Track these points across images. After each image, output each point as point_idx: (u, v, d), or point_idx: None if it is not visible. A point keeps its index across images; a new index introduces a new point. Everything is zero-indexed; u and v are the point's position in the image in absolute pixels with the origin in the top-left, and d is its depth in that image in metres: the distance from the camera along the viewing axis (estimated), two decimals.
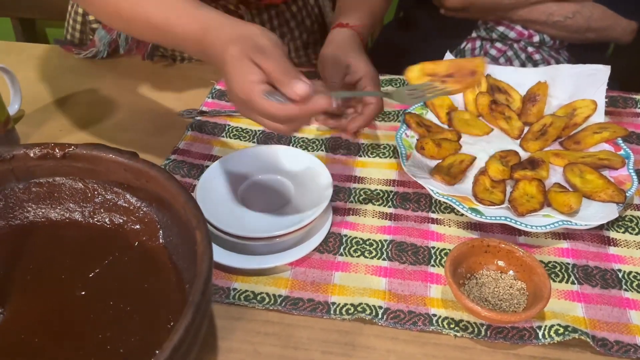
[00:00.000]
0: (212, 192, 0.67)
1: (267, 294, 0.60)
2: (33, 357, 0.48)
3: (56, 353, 0.48)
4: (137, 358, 0.48)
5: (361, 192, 0.72)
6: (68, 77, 0.95)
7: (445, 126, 0.81)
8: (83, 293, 0.53)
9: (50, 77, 0.95)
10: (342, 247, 0.65)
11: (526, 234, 0.67)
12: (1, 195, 0.58)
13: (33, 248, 0.57)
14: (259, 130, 0.83)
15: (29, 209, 0.59)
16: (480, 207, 0.67)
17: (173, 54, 0.99)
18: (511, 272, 0.60)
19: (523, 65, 1.05)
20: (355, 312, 0.58)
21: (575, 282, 0.61)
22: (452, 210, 0.70)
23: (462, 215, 0.67)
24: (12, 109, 0.82)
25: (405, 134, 0.77)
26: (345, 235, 0.66)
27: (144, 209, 0.59)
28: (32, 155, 0.57)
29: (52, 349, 0.49)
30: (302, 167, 0.70)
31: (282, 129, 0.56)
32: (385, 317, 0.57)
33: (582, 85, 0.82)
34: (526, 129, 0.80)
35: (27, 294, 0.53)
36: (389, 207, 0.70)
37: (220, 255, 0.62)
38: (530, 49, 1.05)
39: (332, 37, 0.80)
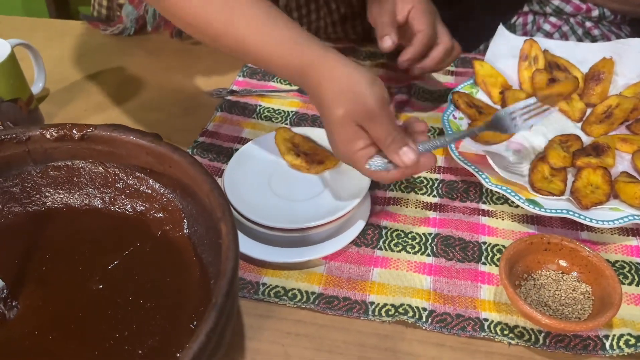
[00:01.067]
0: (240, 178, 0.62)
1: (299, 291, 0.55)
2: (46, 355, 0.44)
3: (71, 352, 0.45)
4: None
5: (402, 180, 0.66)
6: (95, 54, 0.91)
7: (498, 107, 0.73)
8: (101, 287, 0.49)
9: (76, 54, 0.91)
10: (381, 241, 0.59)
11: (590, 229, 0.60)
12: (18, 179, 0.54)
13: (50, 236, 0.53)
14: (292, 111, 0.77)
15: (46, 194, 0.55)
16: (538, 198, 0.59)
17: None
18: (574, 273, 0.53)
19: (580, 41, 0.96)
20: (396, 313, 0.52)
21: None
22: (505, 201, 0.63)
23: (518, 207, 0.60)
24: (36, 87, 0.79)
25: (453, 115, 0.71)
26: (385, 227, 0.60)
27: (168, 196, 0.54)
28: (48, 136, 0.53)
29: (67, 347, 0.45)
30: None
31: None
32: (430, 320, 0.51)
33: None
34: (589, 110, 0.72)
35: (43, 286, 0.49)
36: (434, 196, 0.64)
37: (249, 246, 0.57)
38: (588, 24, 0.96)
39: None
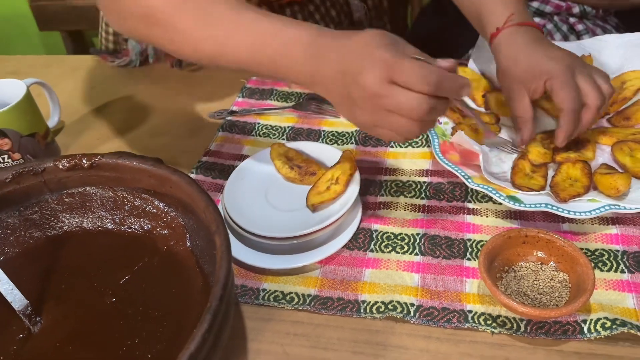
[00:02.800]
0: (239, 192, 0.67)
1: (296, 294, 0.59)
2: None
3: None
4: None
5: (392, 185, 0.70)
6: (105, 86, 0.97)
7: (482, 109, 0.77)
8: (114, 300, 0.54)
9: (88, 87, 0.98)
10: (372, 243, 0.63)
11: (571, 220, 0.63)
12: (36, 207, 0.60)
13: (68, 257, 0.59)
14: (288, 127, 0.82)
15: (62, 219, 0.61)
16: (519, 194, 0.63)
17: None
18: (552, 263, 0.57)
19: (565, 37, 0.98)
20: (386, 310, 0.56)
21: (626, 270, 0.57)
22: (489, 199, 0.66)
23: (501, 204, 0.64)
24: (52, 121, 0.85)
25: (438, 120, 0.74)
26: (376, 231, 0.64)
27: (171, 214, 0.59)
28: (61, 167, 0.59)
29: (85, 356, 0.50)
30: (330, 162, 0.68)
31: (414, 128, 0.50)
32: (417, 314, 0.55)
33: (631, 56, 0.76)
34: None
35: (62, 302, 0.54)
36: (422, 198, 0.68)
37: (250, 256, 0.62)
38: (572, 20, 0.98)
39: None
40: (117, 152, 0.59)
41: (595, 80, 0.63)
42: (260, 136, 0.81)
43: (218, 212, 0.51)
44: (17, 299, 0.52)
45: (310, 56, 0.51)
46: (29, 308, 0.52)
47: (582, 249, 0.57)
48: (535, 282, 0.55)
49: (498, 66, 0.70)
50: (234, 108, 0.87)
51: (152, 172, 0.57)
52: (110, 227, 0.61)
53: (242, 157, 0.78)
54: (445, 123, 0.74)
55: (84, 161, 0.58)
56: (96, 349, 0.50)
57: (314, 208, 0.63)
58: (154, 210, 0.60)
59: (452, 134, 0.72)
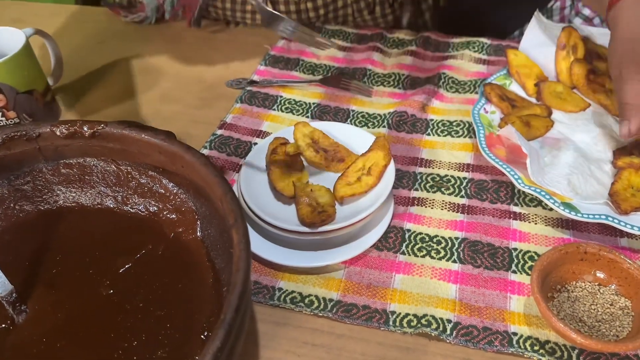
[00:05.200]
0: (258, 175, 0.59)
1: (317, 297, 0.52)
2: None
3: None
4: None
5: (428, 179, 0.63)
6: (114, 42, 0.89)
7: (533, 100, 0.69)
8: (111, 292, 0.47)
9: (96, 42, 0.90)
10: (404, 245, 0.56)
11: (630, 236, 0.56)
12: (29, 176, 0.53)
13: (61, 236, 0.52)
14: (314, 103, 0.74)
15: (58, 192, 0.54)
16: (574, 201, 0.55)
17: (226, 16, 0.90)
18: (613, 285, 0.49)
19: None
20: (419, 325, 0.49)
21: None
22: (539, 203, 0.59)
23: (552, 210, 0.56)
24: (53, 78, 0.77)
25: (485, 109, 0.66)
26: (409, 230, 0.57)
27: (181, 196, 0.52)
28: (58, 133, 0.51)
29: (75, 355, 0.43)
30: (360, 147, 0.61)
31: None
32: (454, 333, 0.48)
33: None
34: None
35: (53, 289, 0.48)
36: (462, 197, 0.60)
37: (265, 249, 0.55)
38: None
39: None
40: (123, 121, 0.51)
41: None
42: (282, 111, 0.74)
43: (237, 203, 0.44)
44: (0, 283, 0.45)
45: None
46: (14, 295, 0.46)
47: None
48: (592, 307, 0.48)
49: (614, 39, 0.59)
50: (255, 77, 0.79)
51: (162, 148, 0.50)
52: (111, 206, 0.54)
53: (261, 134, 0.70)
54: (492, 112, 0.66)
55: (85, 129, 0.51)
56: (87, 347, 0.44)
57: (342, 201, 0.56)
58: (162, 191, 0.53)
59: (499, 126, 0.64)
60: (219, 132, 0.71)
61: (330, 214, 0.54)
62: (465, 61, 0.79)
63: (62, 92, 0.79)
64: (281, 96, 0.76)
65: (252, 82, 0.78)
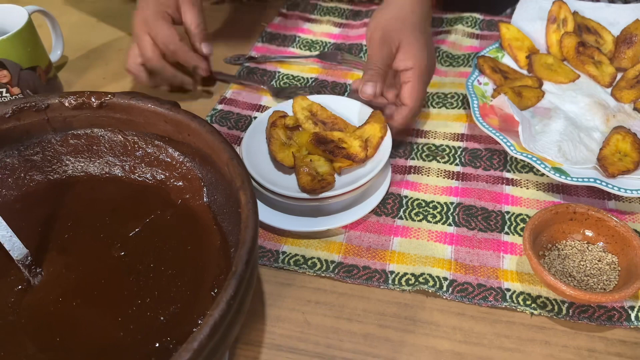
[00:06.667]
0: (259, 147, 0.61)
1: (319, 259, 0.54)
2: (71, 321, 0.45)
3: (94, 317, 0.45)
4: (178, 327, 0.44)
5: (424, 148, 0.65)
6: (113, 20, 0.90)
7: (525, 72, 0.71)
8: (122, 254, 0.49)
9: (95, 20, 0.91)
10: (402, 210, 0.58)
11: (617, 198, 0.58)
12: (38, 147, 0.55)
13: (71, 204, 0.53)
14: (311, 78, 0.76)
15: (67, 162, 0.55)
16: (564, 166, 0.58)
17: None
18: (600, 243, 0.52)
19: (612, 1, 0.91)
20: (417, 283, 0.51)
21: None
22: (530, 169, 0.61)
23: (543, 175, 0.59)
24: (54, 55, 0.79)
25: (478, 80, 0.69)
26: (406, 197, 0.60)
27: (187, 165, 0.54)
28: (67, 104, 0.53)
29: (90, 313, 0.45)
30: (357, 118, 0.63)
31: (142, 76, 0.71)
32: (450, 289, 0.51)
33: None
34: (619, 75, 0.70)
35: (65, 253, 0.50)
36: (456, 165, 0.63)
37: (269, 215, 0.57)
38: None
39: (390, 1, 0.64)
40: (129, 92, 0.53)
41: None
42: (280, 86, 0.75)
43: (243, 166, 0.46)
44: (15, 247, 0.47)
45: None
46: (29, 258, 0.48)
47: None
48: (581, 263, 0.51)
49: (383, 12, 0.63)
50: (253, 53, 0.81)
51: (168, 117, 0.51)
52: (119, 174, 0.56)
53: (260, 108, 0.72)
54: (485, 84, 0.68)
55: (93, 99, 0.53)
56: (102, 306, 0.46)
57: (339, 171, 0.58)
58: (168, 159, 0.55)
59: (492, 96, 0.66)
60: (219, 107, 0.72)
61: (330, 181, 0.56)
62: (459, 36, 0.81)
63: (62, 70, 0.80)
64: (279, 72, 0.77)
65: (251, 58, 0.79)
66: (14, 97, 0.69)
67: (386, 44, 0.59)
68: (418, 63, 0.59)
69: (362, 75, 0.61)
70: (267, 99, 0.73)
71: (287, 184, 0.57)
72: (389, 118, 0.61)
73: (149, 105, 0.52)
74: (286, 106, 0.65)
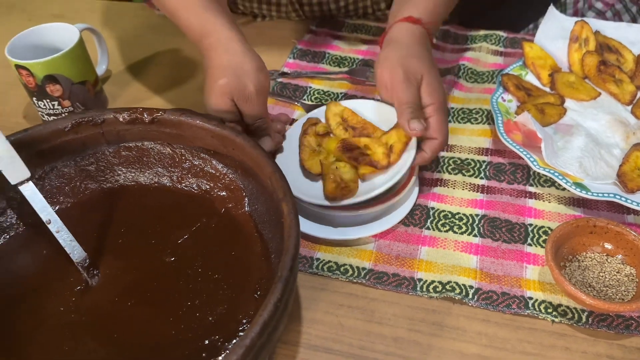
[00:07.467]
0: (292, 158, 0.65)
1: (351, 266, 0.58)
2: (127, 319, 0.49)
3: (148, 317, 0.49)
4: (225, 327, 0.48)
5: (450, 162, 0.68)
6: (151, 35, 0.95)
7: (547, 89, 0.74)
8: (173, 259, 0.53)
9: (133, 35, 0.95)
10: (429, 221, 0.62)
11: (636, 212, 0.61)
12: (93, 158, 0.59)
13: (123, 211, 0.58)
14: (341, 93, 0.80)
15: (119, 172, 0.60)
16: (585, 181, 0.61)
17: (252, 10, 0.96)
18: (619, 256, 0.55)
19: (634, 20, 0.94)
20: (444, 290, 0.55)
21: None
22: (552, 183, 0.64)
23: (564, 190, 0.62)
24: (100, 69, 0.83)
25: (502, 97, 0.72)
26: (433, 208, 0.63)
27: (230, 176, 0.58)
28: (121, 119, 0.57)
29: (145, 312, 0.50)
30: (387, 125, 0.64)
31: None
32: (476, 297, 0.54)
33: None
34: (639, 94, 0.72)
35: (120, 257, 0.54)
36: (481, 178, 0.66)
37: (303, 224, 0.61)
38: None
39: (395, 37, 0.65)
40: (179, 109, 0.57)
41: None
42: (312, 101, 0.79)
43: (284, 179, 0.50)
44: (75, 251, 0.52)
45: (199, 45, 0.65)
46: (87, 260, 0.52)
47: None
48: (601, 274, 0.54)
49: (391, 50, 0.64)
50: (285, 69, 0.85)
51: (215, 132, 0.56)
52: (167, 184, 0.60)
53: (293, 122, 0.76)
54: (509, 101, 0.72)
55: (145, 115, 0.57)
56: (155, 306, 0.50)
57: (363, 177, 0.61)
58: (213, 171, 0.59)
59: (516, 113, 0.70)
60: None
61: (352, 189, 0.59)
62: (483, 53, 0.84)
63: (107, 83, 0.85)
64: (310, 87, 0.81)
65: (283, 74, 0.84)
66: (65, 109, 0.74)
67: (411, 82, 0.60)
68: (440, 98, 0.61)
69: (398, 116, 0.61)
70: (299, 113, 0.77)
71: (313, 192, 0.60)
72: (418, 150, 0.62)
73: (198, 121, 0.56)
74: (319, 112, 0.68)
